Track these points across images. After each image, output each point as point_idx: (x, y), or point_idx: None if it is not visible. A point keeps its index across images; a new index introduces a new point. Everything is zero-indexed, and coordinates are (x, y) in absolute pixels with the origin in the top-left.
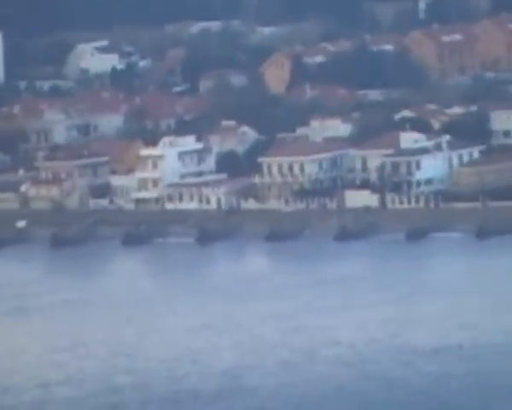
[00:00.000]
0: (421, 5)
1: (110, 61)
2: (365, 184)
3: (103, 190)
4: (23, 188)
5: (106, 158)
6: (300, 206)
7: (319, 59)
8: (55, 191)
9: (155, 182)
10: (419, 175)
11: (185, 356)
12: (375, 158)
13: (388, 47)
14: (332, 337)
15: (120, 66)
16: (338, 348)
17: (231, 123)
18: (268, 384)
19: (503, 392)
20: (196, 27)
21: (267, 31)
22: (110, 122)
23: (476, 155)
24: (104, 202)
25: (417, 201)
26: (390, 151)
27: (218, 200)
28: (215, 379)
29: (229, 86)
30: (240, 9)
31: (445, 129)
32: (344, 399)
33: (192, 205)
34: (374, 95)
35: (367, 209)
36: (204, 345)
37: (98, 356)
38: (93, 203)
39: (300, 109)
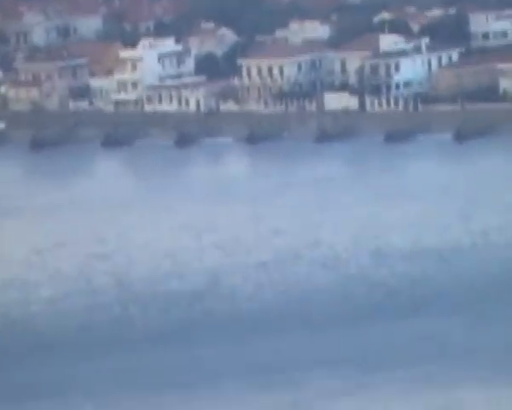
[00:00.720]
0: None
1: None
2: (344, 87)
3: (83, 92)
4: (2, 89)
5: (85, 60)
6: (279, 108)
7: None
8: (34, 93)
9: (134, 84)
10: (398, 77)
11: (165, 257)
12: (354, 60)
13: None
14: (311, 239)
15: None
16: (317, 249)
17: (210, 25)
18: (247, 285)
19: (475, 292)
20: None
21: None
22: (89, 24)
23: (455, 57)
24: (84, 104)
25: (396, 103)
26: (369, 53)
27: (197, 102)
28: (195, 279)
29: None
30: None
31: (424, 31)
32: (323, 299)
33: (171, 107)
34: None
35: (346, 111)
36: (184, 245)
37: (78, 257)
38: (72, 105)
39: (279, 11)
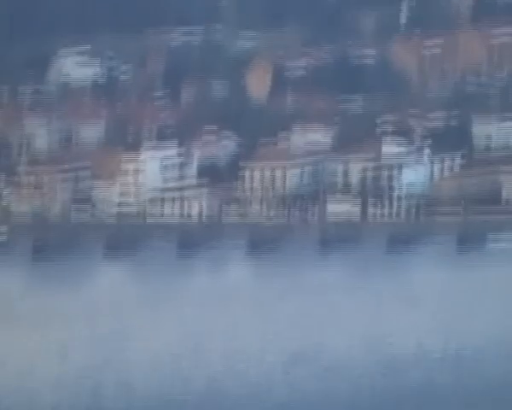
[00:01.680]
0: (403, 12)
1: (91, 68)
2: (347, 191)
3: (85, 197)
4: (4, 194)
5: (88, 165)
6: (282, 213)
7: (301, 65)
8: (36, 199)
9: (137, 188)
10: (400, 183)
11: (165, 363)
12: (357, 165)
13: (370, 53)
14: (314, 343)
15: (102, 72)
16: (320, 353)
17: (213, 128)
18: (250, 393)
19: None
20: (177, 33)
21: (249, 37)
22: (91, 129)
23: (458, 161)
24: (86, 208)
25: (399, 212)
26: (372, 158)
27: (200, 206)
28: (195, 386)
29: (211, 93)
30: (221, 16)
31: (427, 136)
32: (322, 402)
33: (174, 211)
34: (355, 101)
35: (348, 217)
36: (184, 352)
37: (79, 363)
38: (75, 210)
39: (282, 115)
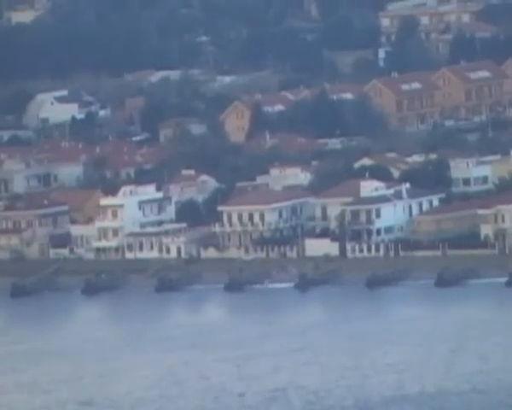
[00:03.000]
0: (381, 54)
1: (70, 111)
2: (325, 233)
3: (63, 240)
4: None
5: (66, 207)
6: (260, 254)
7: (278, 107)
8: (14, 241)
9: (115, 231)
10: (379, 223)
11: (145, 404)
12: (335, 206)
13: (348, 95)
14: (295, 382)
15: (80, 115)
16: (300, 391)
17: (190, 172)
18: None
19: None
20: (155, 76)
21: (227, 79)
22: (70, 172)
23: (436, 202)
24: (64, 252)
25: (377, 249)
26: (350, 199)
27: (178, 249)
28: None
29: (189, 135)
30: (198, 58)
31: (405, 177)
32: None
33: (152, 254)
34: (333, 143)
35: (327, 258)
36: (165, 393)
37: (63, 405)
38: (53, 253)
39: (260, 158)
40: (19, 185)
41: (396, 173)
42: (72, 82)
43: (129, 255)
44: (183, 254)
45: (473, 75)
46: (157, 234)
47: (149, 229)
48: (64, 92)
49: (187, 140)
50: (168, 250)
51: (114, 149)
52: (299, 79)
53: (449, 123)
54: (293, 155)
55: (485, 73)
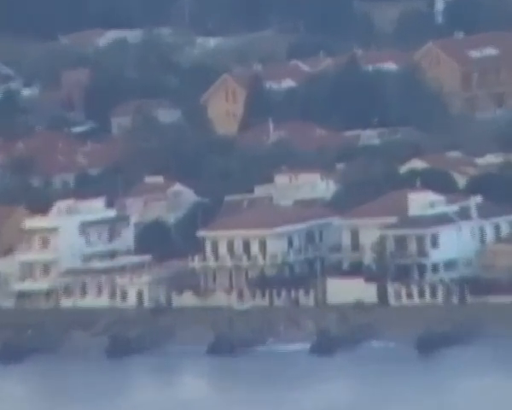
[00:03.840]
0: (439, 5)
1: None
2: (357, 269)
3: None
4: None
5: None
6: (261, 302)
7: (288, 84)
8: None
9: (46, 267)
10: (436, 255)
11: None
12: (371, 230)
13: (390, 66)
14: None
15: None
16: None
17: (158, 179)
18: None
19: None
20: (105, 38)
21: (211, 43)
22: None
23: None
24: None
25: (434, 293)
26: (393, 220)
27: (140, 294)
28: None
29: (156, 125)
30: (169, 13)
31: (475, 187)
32: None
33: (101, 301)
34: (368, 137)
35: (359, 306)
36: None
37: None
38: None
39: (260, 158)
40: None
41: (461, 182)
42: None
43: (66, 303)
44: (146, 302)
45: None
46: (108, 271)
47: (96, 264)
48: None
49: (152, 132)
50: (124, 295)
51: (45, 146)
52: (317, 42)
53: None
54: (310, 154)
55: None
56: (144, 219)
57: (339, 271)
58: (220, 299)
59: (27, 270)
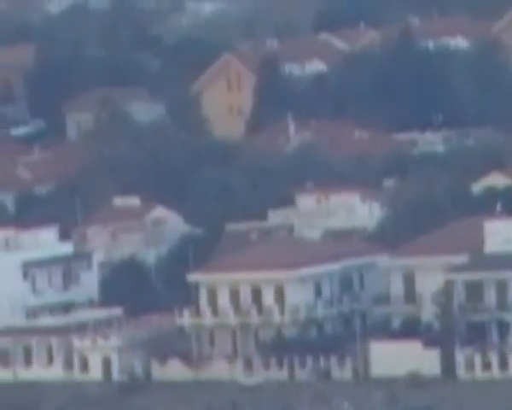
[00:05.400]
0: None
1: None
2: (412, 329)
3: None
4: None
5: None
6: (277, 374)
7: (314, 66)
8: None
9: None
10: None
11: None
12: (432, 274)
13: (458, 42)
14: None
15: None
16: None
17: (132, 201)
18: None
19: None
20: (57, 2)
21: (207, 9)
22: None
23: None
24: None
25: None
26: (463, 259)
27: (106, 362)
28: None
29: (129, 124)
30: None
31: None
32: None
33: (52, 373)
34: (428, 142)
35: (415, 381)
36: None
37: None
38: None
39: (276, 171)
40: None
41: None
42: None
43: (2, 374)
44: (115, 374)
45: None
46: (62, 331)
47: (46, 320)
48: None
49: (124, 135)
50: (85, 365)
51: None
52: (356, 8)
53: None
54: (346, 165)
55: None
56: (113, 258)
57: (387, 331)
58: (220, 370)
59: None
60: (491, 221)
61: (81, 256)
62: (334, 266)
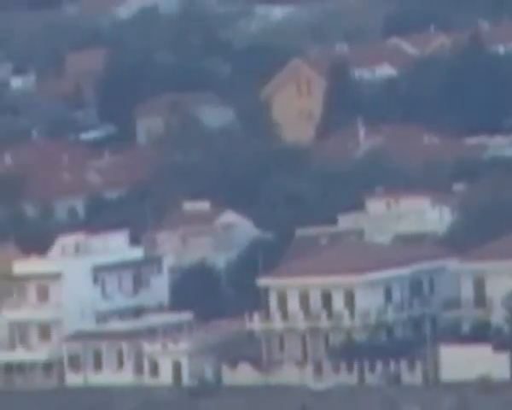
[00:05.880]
0: None
1: None
2: (482, 333)
3: None
4: None
5: None
6: (348, 379)
7: (384, 71)
8: None
9: (45, 329)
10: None
11: None
12: (503, 278)
13: None
14: None
15: None
16: None
17: (202, 205)
18: None
19: None
20: (128, 6)
21: (277, 14)
22: None
23: None
24: None
25: None
26: None
27: (176, 367)
28: None
29: (199, 129)
30: None
31: None
32: None
33: (122, 377)
34: (499, 146)
35: (486, 385)
36: None
37: None
38: None
39: (346, 176)
40: None
41: None
42: None
43: (74, 379)
44: (185, 379)
45: None
46: (132, 335)
47: (116, 325)
48: None
49: (194, 140)
50: (155, 370)
51: (43, 159)
52: (426, 12)
53: None
54: (416, 169)
55: None
56: (183, 262)
57: (457, 335)
58: (290, 375)
59: (19, 333)
60: None
61: (151, 261)
62: (404, 271)
